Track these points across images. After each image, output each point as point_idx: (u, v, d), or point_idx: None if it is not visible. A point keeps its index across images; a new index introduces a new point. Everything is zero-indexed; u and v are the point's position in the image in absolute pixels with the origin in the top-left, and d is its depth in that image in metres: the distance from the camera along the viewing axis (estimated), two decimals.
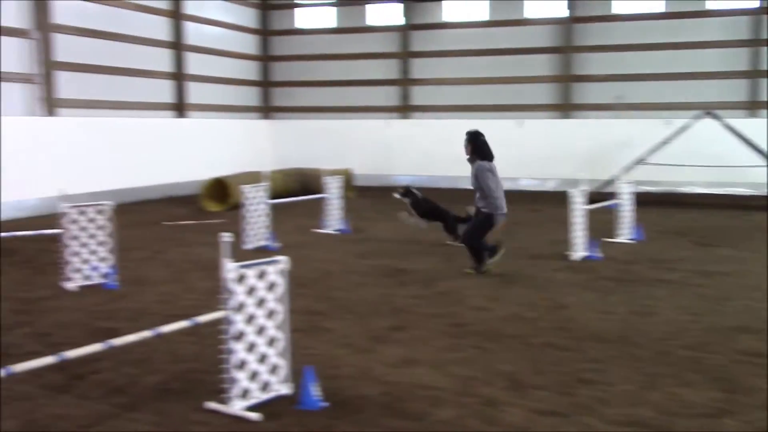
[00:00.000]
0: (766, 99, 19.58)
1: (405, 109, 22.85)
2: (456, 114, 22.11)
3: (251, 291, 5.17)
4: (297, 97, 24.17)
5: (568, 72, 21.13)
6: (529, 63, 21.43)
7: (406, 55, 22.67)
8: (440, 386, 5.61)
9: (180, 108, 20.54)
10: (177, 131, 19.95)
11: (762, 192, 18.01)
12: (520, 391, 5.53)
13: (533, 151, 20.66)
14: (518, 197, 18.97)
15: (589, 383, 5.71)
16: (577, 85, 21.21)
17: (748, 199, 17.49)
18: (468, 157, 9.60)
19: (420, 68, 22.63)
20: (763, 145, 16.61)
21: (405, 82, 22.76)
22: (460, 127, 21.42)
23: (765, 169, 16.63)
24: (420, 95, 22.74)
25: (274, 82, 24.40)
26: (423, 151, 21.99)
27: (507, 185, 21.40)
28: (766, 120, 18.96)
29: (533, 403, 5.30)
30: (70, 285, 8.77)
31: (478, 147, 9.56)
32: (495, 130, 21.05)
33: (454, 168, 22.20)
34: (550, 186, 20.67)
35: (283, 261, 5.37)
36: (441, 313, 7.77)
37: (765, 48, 19.44)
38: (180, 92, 20.51)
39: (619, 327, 7.25)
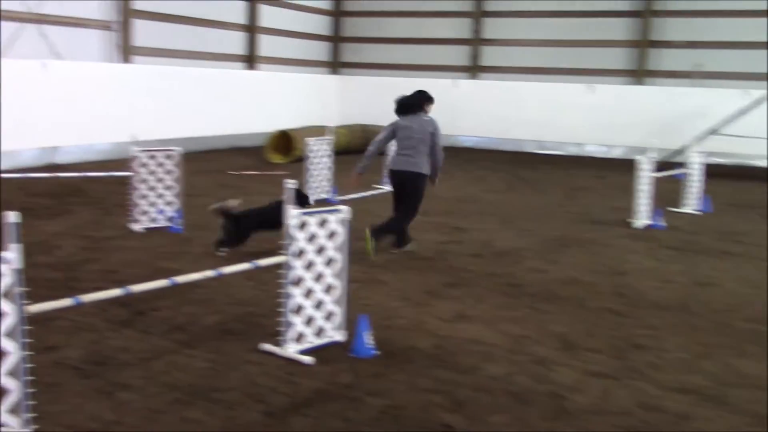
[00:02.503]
0: None
1: (474, 70, 22.58)
2: (526, 76, 21.74)
3: (312, 238, 5.26)
4: (366, 54, 24.09)
5: (645, 37, 20.50)
6: (604, 26, 20.85)
7: (479, 14, 22.32)
8: (492, 342, 5.65)
9: (251, 60, 20.72)
10: (246, 83, 20.14)
11: None
12: (572, 352, 5.52)
13: (602, 117, 20.22)
14: (584, 163, 18.70)
15: (644, 349, 5.66)
16: (653, 50, 20.58)
17: None
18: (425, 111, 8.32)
19: (492, 28, 22.27)
20: None
21: (476, 41, 22.44)
22: (529, 89, 21.27)
23: None
24: (490, 56, 22.41)
25: (344, 37, 24.34)
26: (490, 112, 21.75)
27: (573, 150, 21.26)
28: None
29: (584, 364, 5.29)
30: (137, 227, 9.04)
31: None
32: (565, 94, 20.83)
33: (519, 131, 22.07)
34: (617, 153, 20.25)
35: (344, 210, 5.44)
36: (497, 272, 7.77)
37: None
38: (251, 44, 20.67)
39: (678, 296, 7.14)
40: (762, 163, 18.30)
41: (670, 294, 7.19)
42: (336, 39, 24.36)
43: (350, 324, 5.54)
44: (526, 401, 4.64)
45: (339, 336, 5.53)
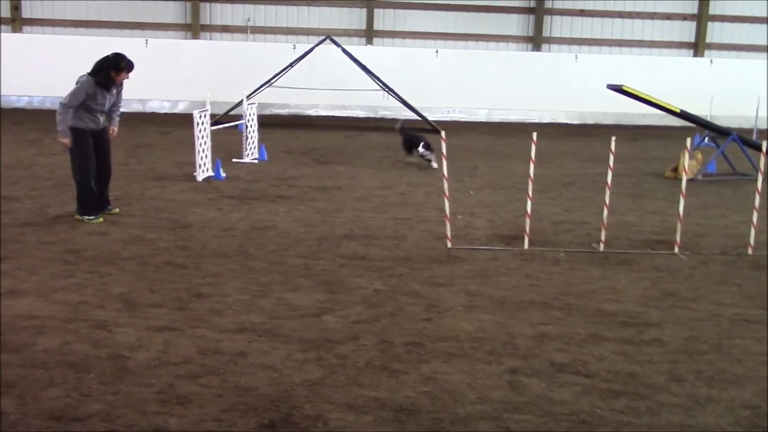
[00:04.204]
0: (379, 28, 21.19)
1: (15, 22, 20.54)
2: (74, 30, 20.46)
3: None
4: None
5: None
6: None
7: None
8: (46, 315, 5.31)
9: None
10: None
11: (375, 114, 19.71)
12: (134, 311, 5.46)
13: (162, 72, 19.99)
14: (148, 119, 18.41)
15: (205, 297, 5.84)
16: (206, 5, 20.90)
17: (363, 121, 19.05)
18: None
19: None
20: (376, 71, 17.99)
21: None
22: (80, 44, 20.05)
23: (379, 93, 18.09)
24: (32, 7, 20.58)
25: None
26: (40, 69, 20.00)
27: (135, 107, 20.72)
28: (379, 47, 20.66)
29: (146, 321, 5.28)
30: None
31: None
32: (119, 48, 20.04)
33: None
34: (181, 108, 20.29)
35: None
36: (53, 240, 7.30)
37: None
38: None
39: (238, 242, 7.47)
40: (311, 112, 19.96)
41: (230, 241, 7.50)
42: None
43: None
44: (84, 368, 4.47)
45: None
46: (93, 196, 8.12)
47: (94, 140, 8.16)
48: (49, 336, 4.94)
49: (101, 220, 8.06)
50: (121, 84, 8.32)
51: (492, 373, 4.62)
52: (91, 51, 20.11)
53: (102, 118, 8.14)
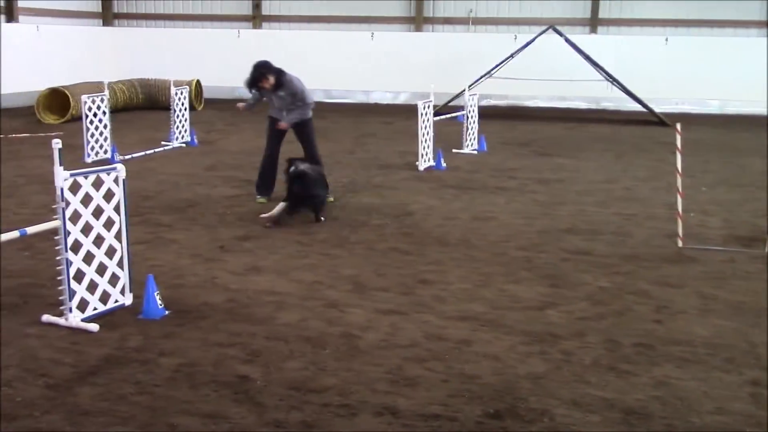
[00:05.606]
0: (605, 16, 20.46)
1: (257, 19, 22.17)
2: (306, 25, 21.70)
3: (87, 200, 4.99)
4: (140, 4, 22.86)
5: None
6: None
7: None
8: (285, 291, 5.70)
9: (10, 12, 18.94)
10: (6, 38, 18.43)
11: (598, 105, 19.07)
12: (363, 293, 5.71)
13: (385, 64, 20.70)
14: (371, 110, 19.14)
15: (429, 283, 5.98)
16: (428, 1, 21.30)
17: (584, 112, 18.50)
18: (271, 86, 8.56)
19: None
20: (599, 60, 17.42)
21: None
22: (311, 38, 21.25)
23: (602, 83, 17.51)
24: (271, 5, 22.10)
25: None
26: (274, 62, 21.45)
27: (360, 98, 21.58)
28: (604, 36, 19.94)
29: (374, 303, 5.50)
30: None
31: (278, 72, 8.66)
32: (347, 42, 21.04)
33: (305, 80, 21.94)
34: (402, 99, 20.89)
35: (119, 168, 5.20)
36: (289, 222, 7.80)
37: None
38: None
39: (460, 231, 7.57)
40: (530, 103, 19.71)
41: (453, 230, 7.62)
42: None
43: (138, 286, 5.35)
44: (320, 344, 4.76)
45: (126, 299, 5.33)
46: (260, 177, 8.80)
47: (295, 133, 8.78)
48: (288, 311, 5.31)
49: (263, 200, 8.64)
50: (288, 87, 8.57)
51: (731, 383, 4.33)
52: (322, 44, 21.29)
53: (284, 113, 8.64)
